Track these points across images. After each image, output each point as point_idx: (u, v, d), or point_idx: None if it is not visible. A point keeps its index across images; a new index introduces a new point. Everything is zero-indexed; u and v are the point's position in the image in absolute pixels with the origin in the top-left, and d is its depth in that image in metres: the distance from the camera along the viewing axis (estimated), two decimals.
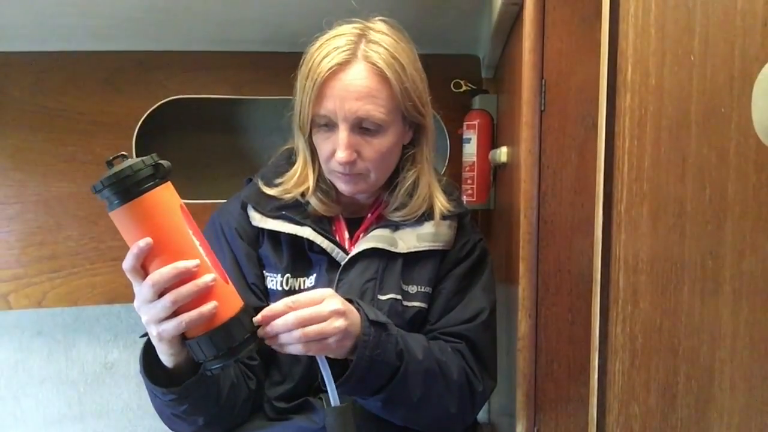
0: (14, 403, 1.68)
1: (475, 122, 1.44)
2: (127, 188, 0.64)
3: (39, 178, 1.48)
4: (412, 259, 0.96)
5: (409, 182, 0.97)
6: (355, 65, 0.88)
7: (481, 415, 1.56)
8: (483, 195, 1.45)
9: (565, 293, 0.92)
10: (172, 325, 0.67)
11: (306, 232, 0.94)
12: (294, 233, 0.94)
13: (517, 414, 1.01)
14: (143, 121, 1.49)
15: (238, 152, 1.71)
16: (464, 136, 1.48)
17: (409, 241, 0.96)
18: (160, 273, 0.66)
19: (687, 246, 0.49)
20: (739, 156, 0.41)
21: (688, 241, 0.49)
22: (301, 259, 0.96)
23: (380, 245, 0.94)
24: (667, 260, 0.53)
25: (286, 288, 0.95)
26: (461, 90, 1.51)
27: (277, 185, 0.97)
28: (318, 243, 0.94)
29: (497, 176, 1.41)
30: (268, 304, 0.92)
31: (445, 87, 1.50)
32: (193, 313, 0.67)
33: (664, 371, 0.54)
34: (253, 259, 0.97)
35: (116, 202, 0.65)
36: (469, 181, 1.46)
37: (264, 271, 0.97)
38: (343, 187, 0.94)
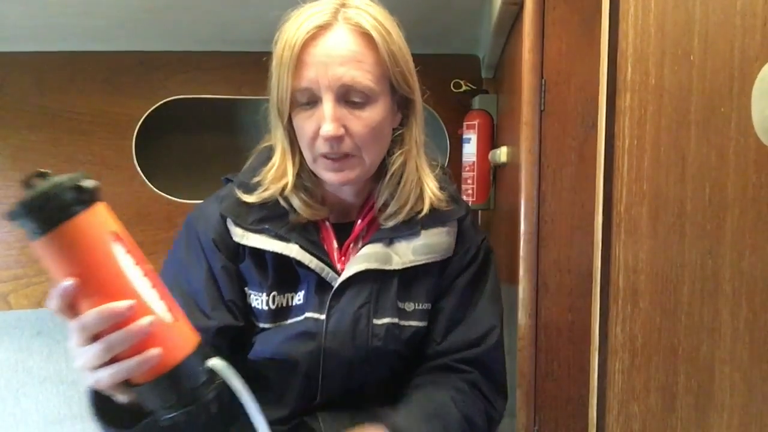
0: (14, 403, 1.68)
1: (475, 122, 1.44)
2: (46, 215, 0.53)
3: None
4: (409, 274, 0.88)
5: (398, 165, 0.87)
6: (336, 28, 0.79)
7: None
8: (483, 195, 1.45)
9: (565, 293, 0.92)
10: (107, 374, 0.57)
11: (293, 250, 0.84)
12: (280, 252, 0.84)
13: (517, 414, 1.01)
14: (143, 121, 1.49)
15: (238, 152, 1.71)
16: (464, 136, 1.48)
17: (404, 255, 0.87)
18: (86, 318, 0.55)
19: (687, 246, 0.49)
20: (738, 156, 0.41)
21: (688, 241, 0.49)
22: (288, 273, 0.86)
23: (373, 266, 0.85)
24: (667, 260, 0.53)
25: (273, 307, 0.86)
26: (461, 90, 1.51)
27: (254, 188, 0.86)
28: (306, 263, 0.84)
29: (497, 176, 1.41)
30: (242, 324, 0.86)
31: (445, 87, 1.50)
32: (131, 362, 0.56)
33: (664, 371, 0.54)
34: (232, 273, 0.87)
35: (35, 231, 0.53)
36: (469, 181, 1.46)
37: (246, 288, 0.88)
38: (330, 176, 0.83)
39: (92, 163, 1.48)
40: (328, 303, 0.84)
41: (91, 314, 0.55)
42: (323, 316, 0.84)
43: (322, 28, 0.78)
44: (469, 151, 1.46)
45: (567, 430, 0.92)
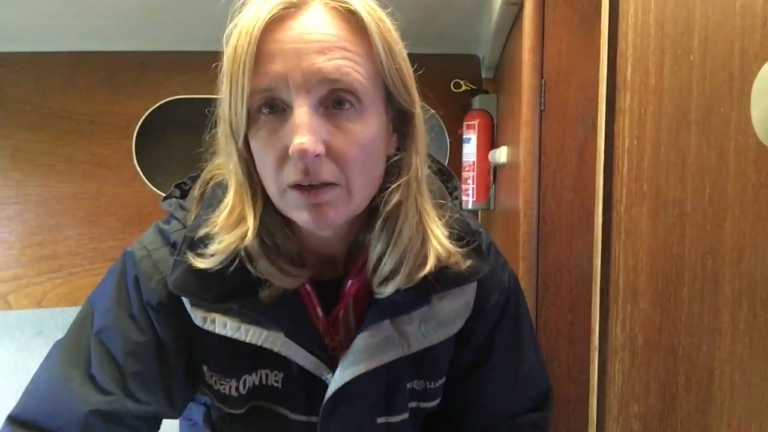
0: (14, 403, 1.68)
1: (475, 122, 1.44)
2: None
3: (39, 178, 1.48)
4: (421, 351, 0.68)
5: (392, 204, 0.61)
6: (312, 6, 0.56)
7: None
8: (483, 195, 1.45)
9: (565, 293, 0.92)
10: None
11: (277, 342, 0.63)
12: (259, 344, 0.63)
13: None
14: (143, 121, 1.49)
15: None
16: (464, 136, 1.48)
17: (413, 335, 0.66)
18: None
19: (687, 246, 0.49)
20: (738, 155, 0.41)
21: (688, 241, 0.49)
22: (264, 353, 0.65)
23: (372, 364, 0.64)
24: (667, 260, 0.53)
25: (243, 391, 0.67)
26: (461, 90, 1.51)
27: (206, 243, 0.61)
28: (292, 357, 0.64)
29: (497, 176, 1.41)
30: (173, 416, 0.70)
31: (445, 87, 1.50)
32: None
33: (664, 371, 0.54)
34: (185, 348, 0.66)
35: None
36: (469, 181, 1.46)
37: (204, 366, 0.68)
38: (304, 215, 0.57)
39: (92, 163, 1.48)
40: (322, 407, 0.66)
41: None
42: (314, 419, 0.68)
43: (292, 6, 0.55)
44: (469, 151, 1.46)
45: (567, 430, 0.92)
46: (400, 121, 0.63)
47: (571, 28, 0.90)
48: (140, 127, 1.49)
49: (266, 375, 0.68)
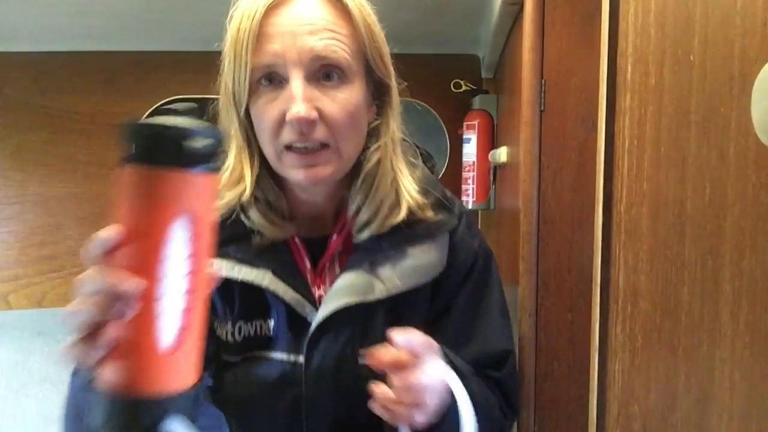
0: (14, 403, 1.68)
1: (475, 122, 1.44)
2: (147, 148, 0.45)
3: (39, 178, 1.48)
4: (397, 298, 0.76)
5: (372, 163, 0.73)
6: None
7: None
8: (483, 195, 1.45)
9: (565, 293, 0.92)
10: (79, 348, 0.46)
11: (266, 278, 0.73)
12: (250, 281, 0.73)
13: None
14: None
15: None
16: (464, 136, 1.48)
17: (389, 280, 0.75)
18: (88, 273, 0.44)
19: (687, 246, 0.49)
20: (738, 156, 0.41)
21: (688, 240, 0.49)
22: (256, 300, 0.75)
23: (353, 300, 0.73)
24: (666, 260, 0.53)
25: (239, 338, 0.76)
26: (461, 90, 1.51)
27: None
28: (280, 294, 0.73)
29: (497, 176, 1.41)
30: (210, 353, 0.75)
31: (445, 87, 1.50)
32: (113, 357, 0.44)
33: (664, 371, 0.54)
34: None
35: (130, 156, 0.45)
36: (469, 181, 1.46)
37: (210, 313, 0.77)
38: (299, 173, 0.69)
39: (92, 163, 1.48)
40: (306, 344, 0.74)
41: (94, 269, 0.44)
42: (301, 359, 0.74)
43: None
44: (469, 151, 1.46)
45: (567, 430, 0.92)
46: (378, 92, 0.75)
47: (571, 28, 0.89)
48: None
49: (260, 326, 0.76)
